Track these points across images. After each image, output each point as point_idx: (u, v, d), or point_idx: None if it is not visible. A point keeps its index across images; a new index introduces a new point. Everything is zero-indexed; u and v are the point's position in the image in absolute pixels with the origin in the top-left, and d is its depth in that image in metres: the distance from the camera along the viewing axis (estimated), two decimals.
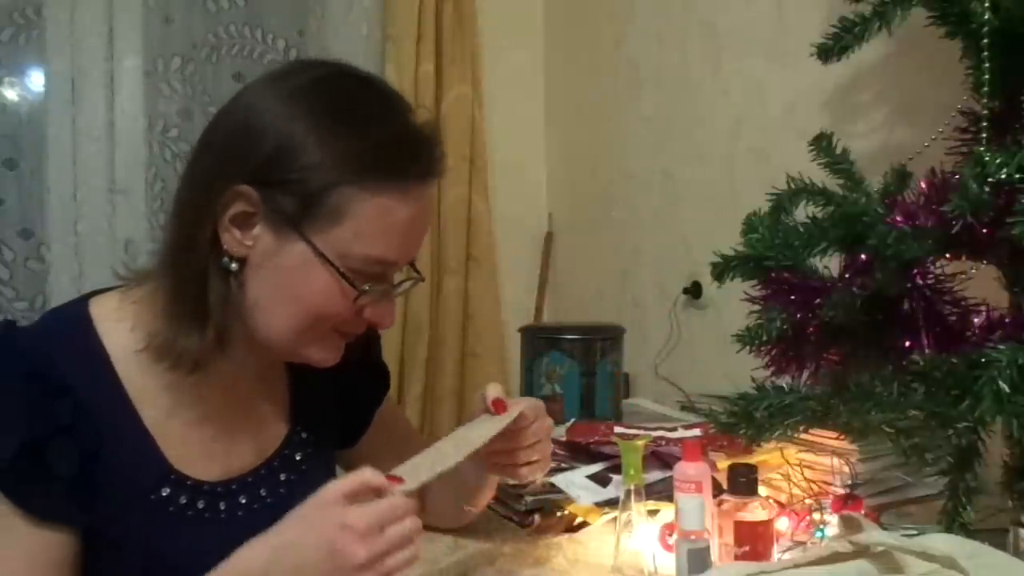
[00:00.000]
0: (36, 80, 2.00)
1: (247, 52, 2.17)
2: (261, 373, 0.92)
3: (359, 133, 0.79)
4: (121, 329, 0.83)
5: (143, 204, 2.03)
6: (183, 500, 0.85)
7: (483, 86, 2.30)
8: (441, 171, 0.84)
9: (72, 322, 0.83)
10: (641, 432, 1.29)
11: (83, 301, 0.86)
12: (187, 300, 0.80)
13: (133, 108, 2.01)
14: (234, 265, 0.80)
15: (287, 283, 0.80)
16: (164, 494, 0.84)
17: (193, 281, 0.80)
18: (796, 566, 0.72)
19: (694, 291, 1.82)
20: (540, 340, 1.51)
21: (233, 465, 0.89)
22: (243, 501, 0.88)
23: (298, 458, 0.95)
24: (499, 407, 0.91)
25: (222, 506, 0.87)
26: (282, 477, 0.93)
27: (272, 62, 2.20)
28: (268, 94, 0.81)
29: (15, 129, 1.99)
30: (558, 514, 1.16)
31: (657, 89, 1.97)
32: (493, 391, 0.93)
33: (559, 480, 1.18)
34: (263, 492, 0.90)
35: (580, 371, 1.47)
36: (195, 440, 0.86)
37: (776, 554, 0.92)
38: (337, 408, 1.01)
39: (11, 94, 2.00)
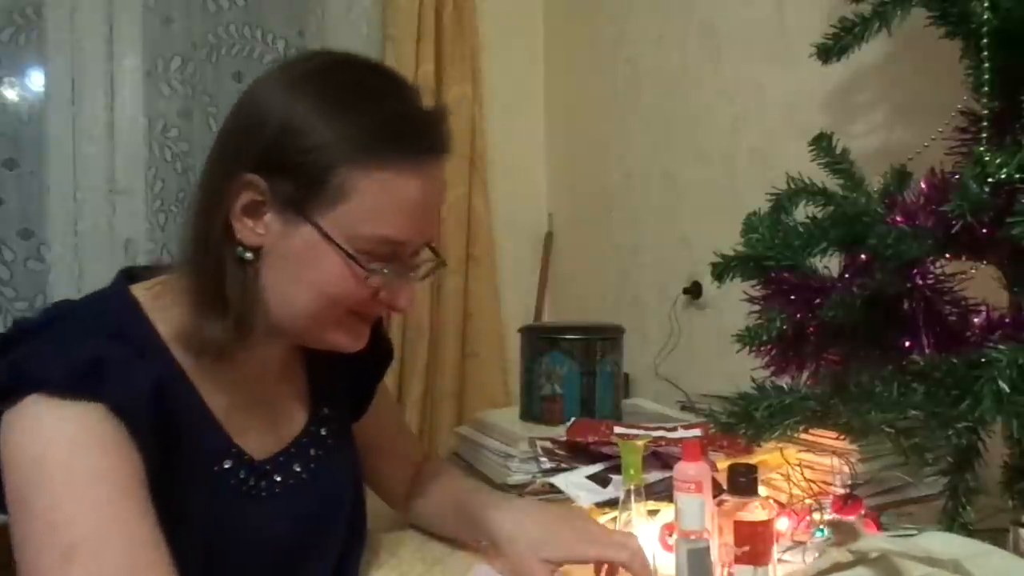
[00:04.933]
0: (36, 80, 2.00)
1: (247, 52, 2.17)
2: (284, 358, 0.94)
3: (359, 113, 0.79)
4: (161, 317, 0.83)
5: (143, 204, 2.03)
6: (241, 475, 0.86)
7: (483, 86, 2.29)
8: (447, 149, 0.84)
9: (123, 305, 0.83)
10: (641, 432, 1.29)
11: (121, 288, 0.85)
12: (208, 291, 0.81)
13: (133, 108, 2.01)
14: (249, 255, 0.81)
15: (299, 268, 0.81)
16: (226, 467, 0.85)
17: (212, 272, 0.81)
18: None
19: (694, 291, 1.82)
20: (540, 340, 1.50)
21: (266, 445, 0.90)
22: (278, 479, 0.90)
23: (323, 433, 0.96)
24: None
25: (263, 484, 0.89)
26: (312, 452, 0.94)
27: (272, 62, 2.20)
28: (273, 83, 0.83)
29: (15, 129, 1.99)
30: None
31: (657, 89, 1.97)
32: None
33: (559, 480, 1.18)
34: (297, 468, 0.92)
35: (580, 371, 1.46)
36: (235, 420, 0.88)
37: (776, 554, 0.92)
38: (348, 382, 1.03)
39: (11, 94, 2.00)
